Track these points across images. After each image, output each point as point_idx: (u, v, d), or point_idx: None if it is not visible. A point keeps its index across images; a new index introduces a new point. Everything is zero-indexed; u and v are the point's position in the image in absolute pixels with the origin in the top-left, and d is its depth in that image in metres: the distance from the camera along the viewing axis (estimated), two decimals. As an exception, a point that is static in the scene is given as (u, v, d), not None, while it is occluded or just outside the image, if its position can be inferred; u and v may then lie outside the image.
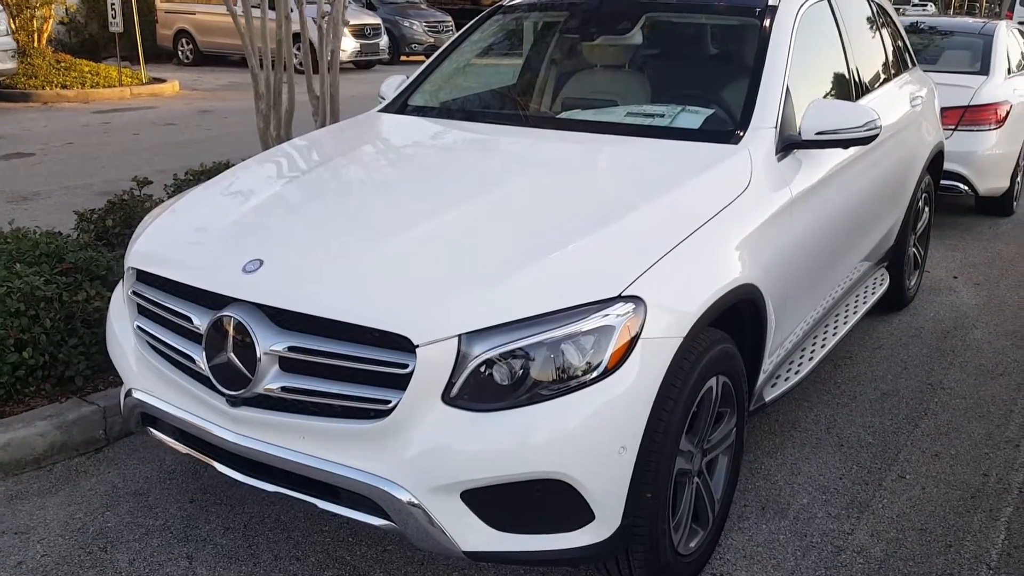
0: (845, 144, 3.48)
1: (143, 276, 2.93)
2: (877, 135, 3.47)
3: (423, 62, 4.63)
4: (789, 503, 3.44)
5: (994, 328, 5.35)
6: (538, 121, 4.14)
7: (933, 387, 4.51)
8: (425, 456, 2.38)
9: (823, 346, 4.04)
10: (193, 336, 2.72)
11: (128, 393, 2.98)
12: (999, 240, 7.34)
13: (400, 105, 4.27)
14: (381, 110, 4.29)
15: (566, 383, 2.36)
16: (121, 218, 4.99)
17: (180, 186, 5.36)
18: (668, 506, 2.62)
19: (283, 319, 2.52)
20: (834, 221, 3.78)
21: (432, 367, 2.35)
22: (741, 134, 3.37)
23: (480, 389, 2.36)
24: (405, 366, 2.37)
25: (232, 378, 2.58)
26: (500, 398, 2.35)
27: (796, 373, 3.74)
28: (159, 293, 2.85)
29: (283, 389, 2.52)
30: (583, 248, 2.61)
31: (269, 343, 2.51)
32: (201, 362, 2.67)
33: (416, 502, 2.37)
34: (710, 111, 3.67)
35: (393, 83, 4.48)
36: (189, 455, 2.88)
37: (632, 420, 2.42)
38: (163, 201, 4.28)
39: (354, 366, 2.43)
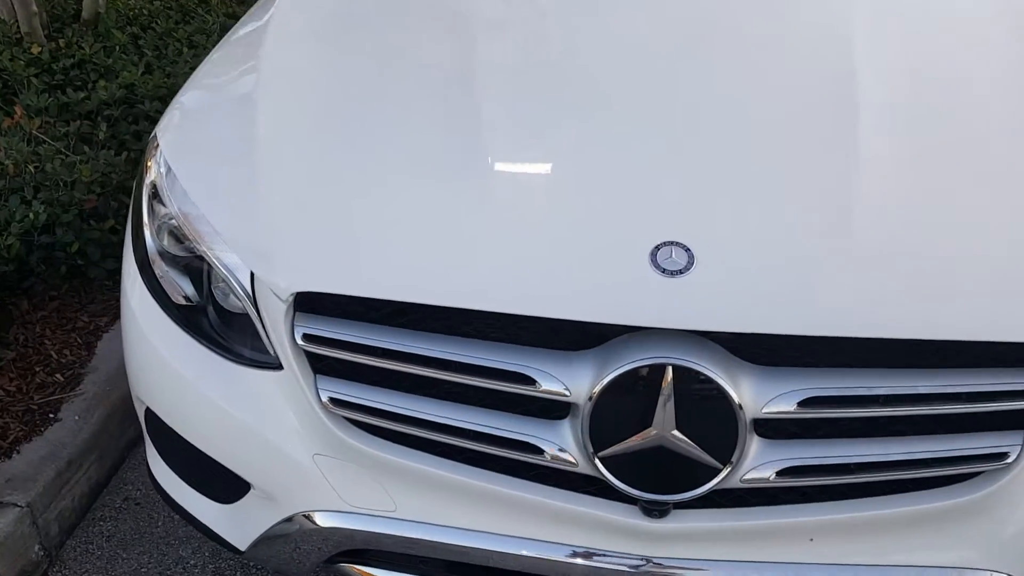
0: None
1: (317, 304, 1.46)
2: None
3: None
4: None
5: None
6: None
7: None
8: None
9: None
10: (529, 406, 1.43)
11: (307, 515, 1.56)
12: None
13: None
14: None
15: None
16: None
17: None
18: None
19: (759, 353, 1.35)
20: None
21: None
22: None
23: None
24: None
25: (666, 473, 1.36)
26: None
27: None
28: (381, 335, 1.43)
29: (785, 473, 1.37)
30: None
31: (765, 399, 1.32)
32: (574, 454, 1.39)
33: None
34: None
35: None
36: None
37: None
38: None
39: (958, 409, 1.36)
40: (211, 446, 1.63)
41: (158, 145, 1.78)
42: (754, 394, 1.33)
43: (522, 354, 1.38)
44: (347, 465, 1.53)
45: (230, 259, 1.56)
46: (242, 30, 2.20)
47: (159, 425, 1.76)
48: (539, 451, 1.41)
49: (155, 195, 1.73)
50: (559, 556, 1.46)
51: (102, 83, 3.14)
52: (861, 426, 1.39)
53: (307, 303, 1.46)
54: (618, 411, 1.34)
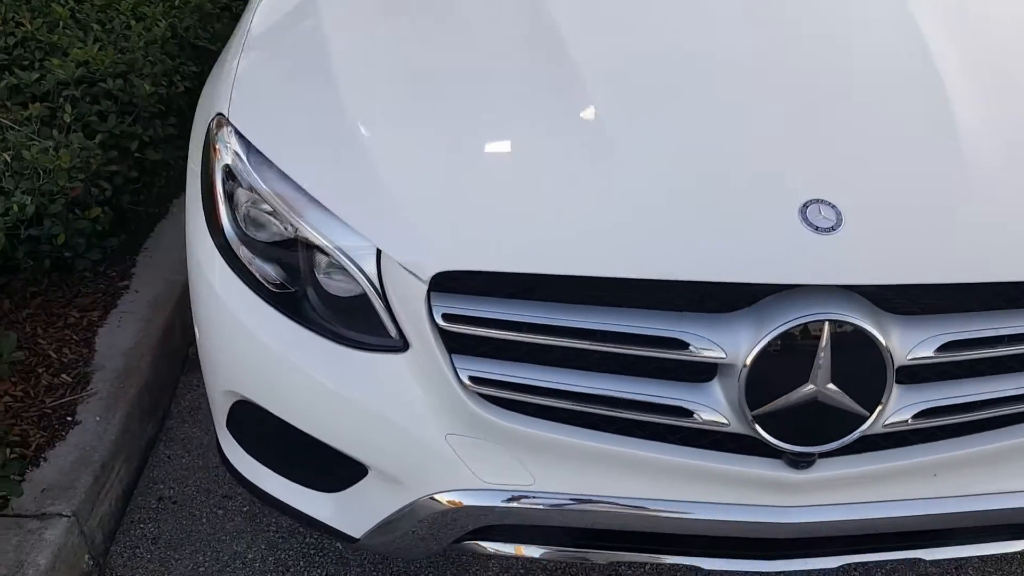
0: None
1: (452, 283, 1.45)
2: None
3: None
4: None
5: None
6: None
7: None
8: None
9: None
10: (670, 369, 1.46)
11: (439, 496, 1.55)
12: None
13: None
14: None
15: None
16: None
17: None
18: None
19: (900, 303, 1.43)
20: None
21: None
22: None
23: None
24: None
25: (815, 425, 1.43)
26: None
27: None
28: (525, 309, 1.44)
29: (921, 415, 1.46)
30: None
31: (909, 346, 1.40)
32: (726, 415, 1.44)
33: None
34: None
35: None
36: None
37: None
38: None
39: None
40: (328, 433, 1.59)
41: (228, 125, 1.69)
42: (900, 343, 1.40)
43: (672, 319, 1.41)
44: (481, 443, 1.53)
45: (346, 242, 1.51)
46: None
47: (251, 418, 1.70)
48: (688, 414, 1.44)
49: (230, 178, 1.65)
50: (708, 515, 1.51)
51: (56, 62, 2.93)
52: (984, 366, 1.48)
53: (442, 282, 1.44)
54: (773, 369, 1.39)
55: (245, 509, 2.26)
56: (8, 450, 2.06)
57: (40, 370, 2.41)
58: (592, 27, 1.77)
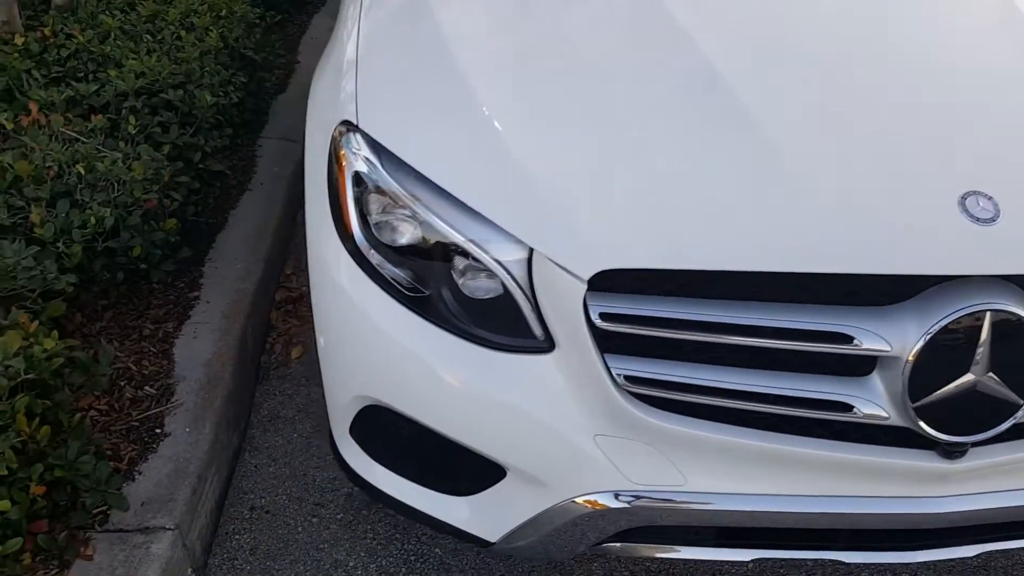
0: None
1: (606, 281, 1.45)
2: None
3: None
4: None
5: None
6: None
7: None
8: None
9: None
10: (836, 364, 1.46)
11: (587, 498, 1.55)
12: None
13: None
14: None
15: None
16: None
17: None
18: None
19: None
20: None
21: None
22: None
23: None
24: None
25: (970, 415, 1.44)
26: None
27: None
28: (684, 307, 1.44)
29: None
30: None
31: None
32: (886, 408, 1.44)
33: None
34: None
35: None
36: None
37: None
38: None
39: None
40: (468, 435, 1.59)
41: (356, 132, 1.69)
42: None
43: (833, 313, 1.41)
44: (630, 443, 1.53)
45: (493, 243, 1.51)
46: None
47: (378, 424, 1.69)
48: (847, 408, 1.44)
49: (359, 184, 1.65)
50: (863, 508, 1.51)
51: (112, 72, 2.91)
52: None
53: (596, 281, 1.44)
54: (935, 360, 1.39)
55: (339, 516, 2.25)
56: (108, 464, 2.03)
57: (122, 383, 2.39)
58: (724, 21, 1.78)
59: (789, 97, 1.61)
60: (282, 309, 2.98)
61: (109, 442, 2.20)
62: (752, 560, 1.62)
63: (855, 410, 1.44)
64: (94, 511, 1.97)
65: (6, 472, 1.72)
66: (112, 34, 3.13)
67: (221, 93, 3.04)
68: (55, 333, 2.07)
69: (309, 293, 3.03)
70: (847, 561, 1.62)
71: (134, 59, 2.98)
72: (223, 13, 3.43)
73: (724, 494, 1.53)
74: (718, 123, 1.55)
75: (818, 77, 1.65)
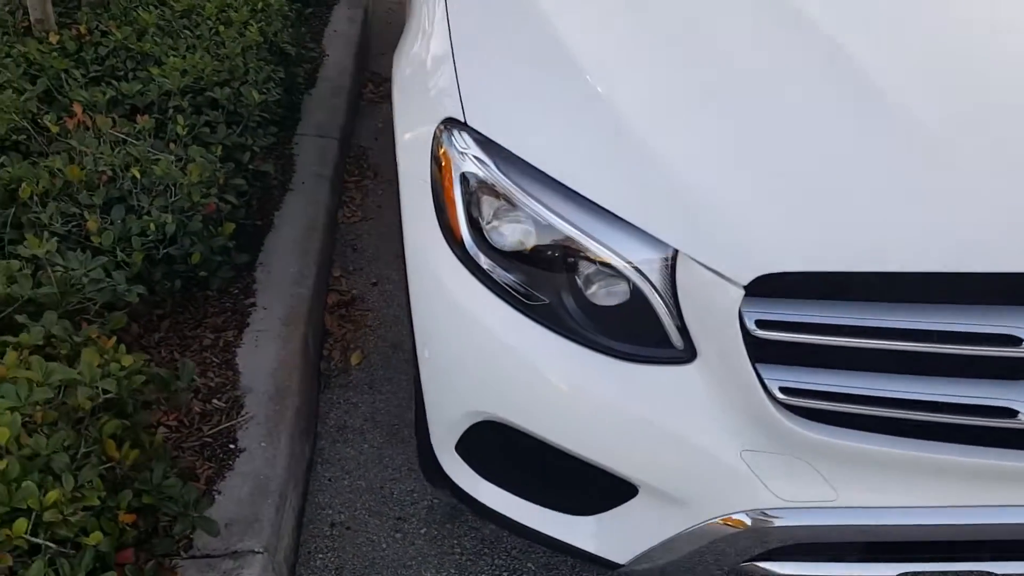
0: None
1: (760, 286, 1.35)
2: None
3: None
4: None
5: None
6: None
7: None
8: None
9: None
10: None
11: (733, 518, 1.46)
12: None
13: None
14: None
15: None
16: None
17: None
18: None
19: None
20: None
21: None
22: None
23: None
24: None
25: None
26: None
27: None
28: (834, 310, 1.35)
29: None
30: None
31: None
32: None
33: None
34: None
35: None
36: None
37: None
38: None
39: None
40: (598, 451, 1.50)
41: (463, 131, 1.58)
42: None
43: (997, 314, 1.33)
44: (777, 457, 1.44)
45: (629, 247, 1.42)
46: None
47: (490, 440, 1.60)
48: (1012, 414, 1.36)
49: (467, 185, 1.55)
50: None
51: (155, 70, 2.79)
52: None
53: (751, 286, 1.34)
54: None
55: (423, 531, 2.16)
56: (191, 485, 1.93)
57: (190, 396, 2.28)
58: (861, 11, 1.69)
59: (947, 93, 1.51)
60: (335, 313, 2.87)
61: (186, 461, 2.10)
62: (899, 575, 1.53)
63: (1020, 415, 1.35)
64: (179, 537, 1.87)
65: (97, 503, 1.62)
66: (149, 30, 3.01)
67: (265, 90, 2.93)
68: (123, 347, 1.96)
69: (360, 296, 2.95)
70: (998, 573, 1.53)
71: (175, 56, 2.87)
72: (259, 7, 3.31)
73: (878, 508, 1.44)
74: (873, 115, 1.46)
75: (973, 74, 1.55)
